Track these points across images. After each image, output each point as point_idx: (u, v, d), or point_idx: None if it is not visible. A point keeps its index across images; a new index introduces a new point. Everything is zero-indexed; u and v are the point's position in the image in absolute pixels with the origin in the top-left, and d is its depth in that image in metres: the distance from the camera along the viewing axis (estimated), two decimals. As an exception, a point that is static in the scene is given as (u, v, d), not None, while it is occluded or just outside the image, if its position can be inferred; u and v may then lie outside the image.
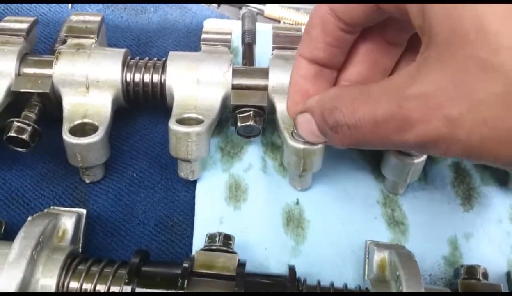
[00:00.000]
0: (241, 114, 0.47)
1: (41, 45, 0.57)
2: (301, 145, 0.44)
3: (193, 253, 0.41)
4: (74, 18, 0.50)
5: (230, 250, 0.41)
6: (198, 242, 0.46)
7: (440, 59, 0.25)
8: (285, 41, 0.50)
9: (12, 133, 0.44)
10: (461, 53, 0.23)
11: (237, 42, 0.57)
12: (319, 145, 0.44)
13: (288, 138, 0.45)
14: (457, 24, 0.23)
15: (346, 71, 0.37)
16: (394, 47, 0.36)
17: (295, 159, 0.45)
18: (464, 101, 0.23)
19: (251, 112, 0.47)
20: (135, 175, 0.50)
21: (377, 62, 0.36)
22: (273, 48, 0.50)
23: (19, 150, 0.46)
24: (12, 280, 0.36)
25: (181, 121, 0.45)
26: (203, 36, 0.51)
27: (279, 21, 0.66)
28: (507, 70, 0.22)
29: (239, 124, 0.47)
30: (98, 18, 0.50)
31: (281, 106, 0.48)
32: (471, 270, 0.41)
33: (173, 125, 0.44)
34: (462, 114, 0.24)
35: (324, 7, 0.33)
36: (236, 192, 0.49)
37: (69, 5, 0.61)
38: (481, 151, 0.24)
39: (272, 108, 0.49)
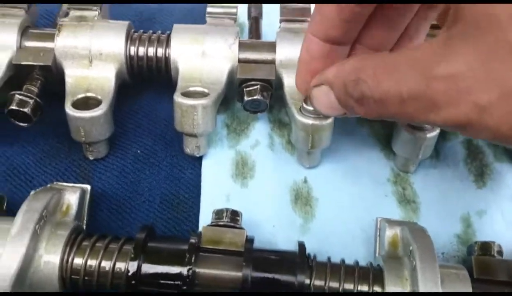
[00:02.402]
0: (248, 88, 0.46)
1: (43, 21, 0.55)
2: (309, 121, 0.43)
3: (200, 229, 0.40)
4: (76, -11, 0.49)
5: (238, 226, 0.40)
6: (205, 219, 0.45)
7: (469, 39, 0.23)
8: (293, 14, 0.49)
9: (13, 106, 0.43)
10: (491, 36, 0.22)
11: (243, 18, 0.56)
12: (328, 121, 0.43)
13: (296, 114, 0.44)
14: (488, 6, 0.22)
15: (361, 37, 0.35)
16: (411, 5, 0.34)
17: (303, 135, 0.44)
18: (495, 88, 0.22)
19: (258, 86, 0.46)
20: (139, 151, 0.49)
21: (394, 23, 0.35)
22: (281, 21, 0.49)
23: (21, 124, 0.45)
24: (15, 254, 0.35)
25: (187, 95, 0.44)
26: (208, 9, 0.50)
27: None
28: None
29: (245, 98, 0.46)
30: (101, -10, 0.49)
31: (289, 81, 0.47)
32: (486, 246, 0.40)
33: (178, 98, 0.43)
34: (492, 102, 0.23)
35: None
36: (243, 169, 0.48)
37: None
38: (510, 138, 0.24)
39: (279, 83, 0.47)
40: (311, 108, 0.43)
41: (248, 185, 0.48)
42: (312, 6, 0.50)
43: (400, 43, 0.37)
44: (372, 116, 0.30)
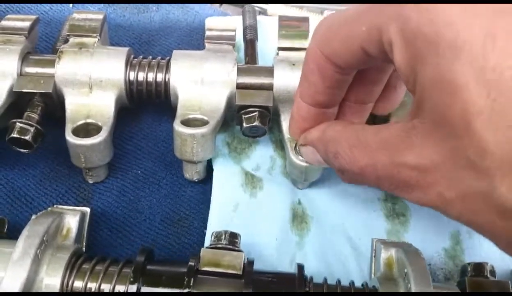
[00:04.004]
0: (246, 115, 0.47)
1: (42, 44, 0.56)
2: (303, 163, 0.44)
3: (207, 234, 0.42)
4: (76, 16, 0.50)
5: (236, 248, 0.40)
6: (214, 226, 0.46)
7: (431, 137, 0.25)
8: (291, 41, 0.50)
9: (14, 135, 0.44)
10: (450, 143, 0.24)
11: (238, 36, 0.57)
12: None
13: (291, 154, 0.45)
14: (446, 112, 0.23)
15: (347, 96, 0.37)
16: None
17: (297, 172, 0.46)
18: (455, 188, 0.24)
19: (256, 112, 0.46)
20: (139, 172, 0.50)
21: (375, 79, 0.37)
22: (279, 49, 0.50)
23: (22, 150, 0.45)
24: (16, 279, 0.35)
25: (186, 123, 0.45)
26: (207, 33, 0.51)
27: (282, 20, 0.66)
28: (492, 174, 0.22)
29: (244, 125, 0.47)
30: (101, 16, 0.50)
31: (286, 117, 0.48)
32: (479, 267, 0.41)
33: (178, 127, 0.44)
34: (453, 198, 0.25)
35: (317, 52, 0.33)
36: (252, 179, 0.49)
37: (71, 4, 0.61)
38: (469, 226, 0.26)
39: (276, 113, 0.49)
40: None
41: (257, 195, 0.48)
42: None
43: (385, 93, 0.39)
44: (354, 184, 0.32)
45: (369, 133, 0.29)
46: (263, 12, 0.66)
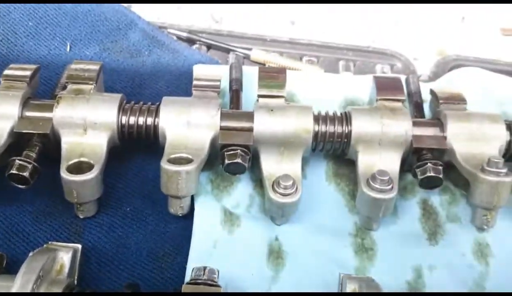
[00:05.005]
0: (228, 152, 0.51)
1: (41, 87, 0.60)
2: (281, 200, 0.48)
3: (188, 269, 0.46)
4: (74, 66, 0.55)
5: (215, 283, 0.44)
6: (194, 261, 0.49)
7: None
8: (270, 90, 0.55)
9: (13, 171, 0.48)
10: None
11: (224, 82, 0.61)
12: (297, 198, 0.49)
13: (269, 191, 0.49)
14: None
15: None
16: None
17: (275, 208, 0.50)
18: None
19: (238, 150, 0.51)
20: (128, 209, 0.54)
21: None
22: (258, 96, 0.55)
23: (20, 186, 0.49)
24: (14, 311, 0.39)
25: (172, 161, 0.49)
26: (194, 82, 0.56)
27: (264, 65, 0.71)
28: None
29: (226, 161, 0.51)
30: (97, 67, 0.55)
31: (264, 157, 0.53)
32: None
33: (164, 165, 0.48)
34: None
35: None
36: (230, 217, 0.53)
37: (68, 47, 0.66)
38: None
39: (256, 153, 0.53)
40: (282, 191, 0.49)
41: (235, 232, 0.52)
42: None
43: None
44: None
45: None
46: (247, 57, 0.71)
